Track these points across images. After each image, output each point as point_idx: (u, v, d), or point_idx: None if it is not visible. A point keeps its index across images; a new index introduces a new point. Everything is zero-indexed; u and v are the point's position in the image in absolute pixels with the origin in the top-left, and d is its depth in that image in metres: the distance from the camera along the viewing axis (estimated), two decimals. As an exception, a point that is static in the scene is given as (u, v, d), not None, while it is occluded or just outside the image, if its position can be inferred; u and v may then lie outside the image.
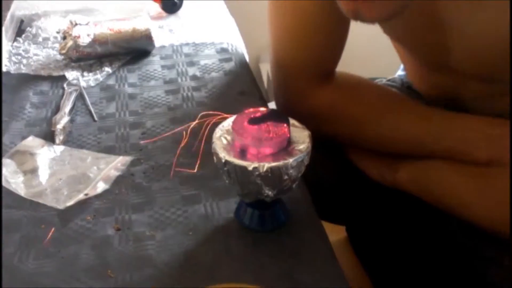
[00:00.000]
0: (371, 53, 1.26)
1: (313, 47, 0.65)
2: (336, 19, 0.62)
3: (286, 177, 0.50)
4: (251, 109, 0.54)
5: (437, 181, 0.62)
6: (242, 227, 0.55)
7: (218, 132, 0.53)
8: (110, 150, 0.67)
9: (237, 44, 0.92)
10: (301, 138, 0.53)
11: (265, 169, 0.49)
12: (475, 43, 0.56)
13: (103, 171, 0.62)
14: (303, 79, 0.67)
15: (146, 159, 0.65)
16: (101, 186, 0.60)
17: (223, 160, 0.50)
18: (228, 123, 0.54)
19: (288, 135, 0.51)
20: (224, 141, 0.52)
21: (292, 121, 0.54)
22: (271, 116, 0.53)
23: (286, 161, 0.49)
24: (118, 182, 0.61)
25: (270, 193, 0.51)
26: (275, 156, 0.50)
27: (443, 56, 0.60)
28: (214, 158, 0.52)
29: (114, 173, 0.62)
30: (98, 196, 0.59)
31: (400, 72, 0.87)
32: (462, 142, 0.60)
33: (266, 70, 1.65)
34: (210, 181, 0.61)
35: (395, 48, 0.78)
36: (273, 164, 0.49)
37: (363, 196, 0.74)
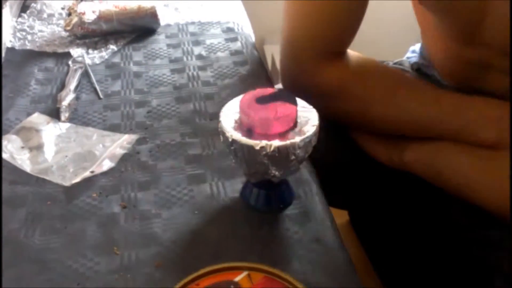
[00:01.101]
0: (380, 37, 1.25)
1: (328, 26, 0.64)
2: (353, 1, 0.61)
3: (293, 157, 0.50)
4: (259, 89, 0.53)
5: (444, 163, 0.62)
6: (248, 207, 0.55)
7: (225, 111, 0.53)
8: (115, 128, 0.66)
9: (243, 24, 0.91)
10: (309, 118, 0.52)
11: (272, 148, 0.49)
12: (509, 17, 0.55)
13: (109, 149, 0.62)
14: (313, 56, 0.66)
15: (152, 138, 0.65)
16: (107, 164, 0.60)
17: (230, 139, 0.50)
18: (235, 102, 0.54)
19: (296, 115, 0.51)
20: (232, 120, 0.52)
21: (300, 101, 0.54)
22: (279, 96, 0.52)
23: (293, 141, 0.49)
24: (123, 160, 0.61)
25: (277, 173, 0.51)
26: (282, 136, 0.50)
27: (478, 25, 0.59)
28: (221, 137, 0.51)
29: (120, 151, 0.62)
30: (104, 174, 0.59)
31: (409, 54, 0.86)
32: (469, 123, 0.60)
33: (270, 52, 1.64)
34: (217, 161, 0.61)
35: (419, 25, 0.76)
36: (280, 143, 0.49)
37: (367, 179, 0.74)
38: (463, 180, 0.60)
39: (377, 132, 0.68)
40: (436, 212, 0.68)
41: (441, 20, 0.67)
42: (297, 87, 0.65)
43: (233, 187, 0.58)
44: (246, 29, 0.90)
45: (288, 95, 0.53)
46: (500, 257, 0.61)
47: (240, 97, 0.53)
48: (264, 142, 0.49)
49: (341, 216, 1.01)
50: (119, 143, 0.63)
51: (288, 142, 0.49)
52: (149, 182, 0.59)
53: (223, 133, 0.51)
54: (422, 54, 0.81)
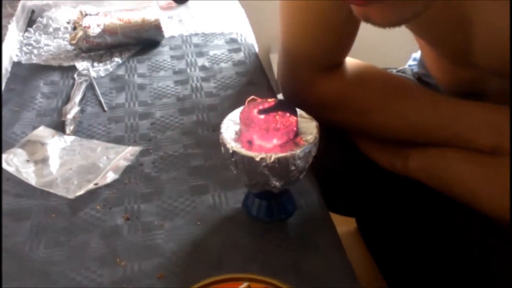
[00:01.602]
0: (381, 43, 1.25)
1: (323, 42, 0.65)
2: (347, 16, 0.60)
3: (293, 167, 0.50)
4: (259, 100, 0.54)
5: (446, 169, 0.62)
6: (249, 218, 0.56)
7: (226, 122, 0.54)
8: (119, 140, 0.67)
9: (247, 35, 0.91)
10: (309, 129, 0.53)
11: (272, 159, 0.49)
12: (498, 39, 0.55)
13: (113, 161, 0.63)
14: (311, 68, 0.67)
15: (155, 149, 0.66)
16: (110, 176, 0.61)
17: (231, 151, 0.50)
18: (236, 114, 0.54)
19: (296, 126, 0.51)
20: (232, 132, 0.52)
21: (299, 112, 0.54)
22: (278, 107, 0.53)
23: (293, 152, 0.49)
24: (127, 172, 0.62)
25: (277, 183, 0.51)
26: (282, 146, 0.50)
27: (466, 52, 0.60)
28: (222, 148, 0.52)
29: (124, 163, 0.63)
30: (107, 186, 0.60)
31: (410, 62, 0.86)
32: (467, 129, 0.59)
33: (276, 61, 1.64)
34: (218, 172, 0.61)
35: (415, 40, 0.77)
36: (280, 155, 0.49)
37: (372, 186, 0.74)
38: (465, 187, 0.60)
39: (378, 138, 0.68)
40: (442, 218, 0.68)
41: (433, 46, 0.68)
42: (295, 99, 0.66)
43: (235, 198, 0.58)
44: (249, 40, 0.90)
45: (288, 105, 0.53)
46: (503, 263, 0.61)
47: (240, 108, 0.54)
48: (264, 154, 0.49)
49: (349, 224, 1.01)
50: (123, 155, 0.64)
51: (288, 153, 0.49)
52: (152, 194, 0.59)
53: (224, 145, 0.51)
54: (421, 63, 0.81)
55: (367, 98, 0.66)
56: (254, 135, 0.51)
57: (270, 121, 0.51)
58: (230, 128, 0.53)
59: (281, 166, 0.49)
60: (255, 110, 0.52)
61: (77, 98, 0.73)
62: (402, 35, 0.76)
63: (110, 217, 0.56)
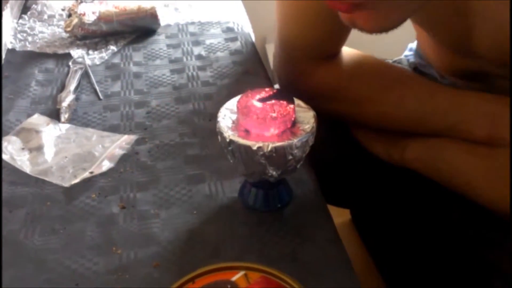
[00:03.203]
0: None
1: (319, 31, 0.65)
2: None
3: (290, 157, 0.50)
4: (257, 89, 0.54)
5: (444, 160, 0.62)
6: (246, 207, 0.55)
7: (223, 111, 0.53)
8: (115, 129, 0.67)
9: (243, 24, 0.91)
10: (306, 118, 0.52)
11: (269, 148, 0.49)
12: (498, 29, 0.55)
13: (108, 149, 0.63)
14: (307, 58, 0.66)
15: (151, 138, 0.65)
16: (106, 165, 0.61)
17: (228, 140, 0.50)
18: (233, 102, 0.54)
19: (293, 115, 0.51)
20: (229, 121, 0.52)
21: (297, 101, 0.54)
22: (276, 96, 0.53)
23: (290, 141, 0.49)
24: (123, 161, 0.62)
25: (274, 173, 0.51)
26: (279, 136, 0.50)
27: (466, 40, 0.59)
28: (219, 137, 0.52)
29: (119, 152, 0.62)
30: (103, 174, 0.60)
31: (406, 52, 0.85)
32: (463, 120, 0.59)
33: (272, 51, 1.64)
34: (215, 161, 0.61)
35: (414, 28, 0.76)
36: (278, 144, 0.49)
37: (368, 177, 0.74)
38: (463, 178, 0.60)
39: (374, 128, 0.68)
40: (438, 210, 0.68)
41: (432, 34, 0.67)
42: (292, 89, 0.66)
43: (231, 187, 0.58)
44: (246, 29, 0.90)
45: (286, 95, 0.53)
46: (500, 256, 0.61)
47: (238, 97, 0.53)
48: (261, 143, 0.49)
49: (343, 215, 1.01)
50: (118, 144, 0.64)
51: (285, 142, 0.49)
52: (148, 183, 0.59)
53: (221, 134, 0.51)
54: (418, 53, 0.80)
55: (364, 88, 0.66)
56: (251, 124, 0.50)
57: (267, 110, 0.51)
58: (227, 117, 0.53)
59: (278, 155, 0.49)
60: (253, 99, 0.52)
61: (72, 86, 0.72)
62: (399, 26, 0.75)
63: (106, 205, 0.56)
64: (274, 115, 0.50)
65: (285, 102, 0.52)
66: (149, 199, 0.57)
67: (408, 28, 0.73)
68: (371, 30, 0.47)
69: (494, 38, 0.56)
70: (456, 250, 0.66)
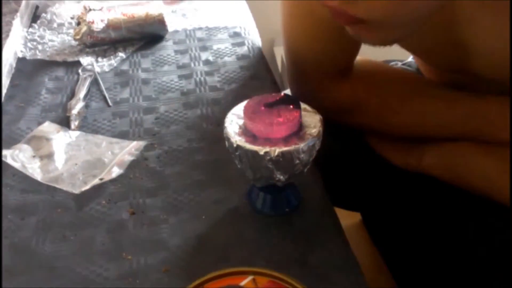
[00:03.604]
0: None
1: (330, 49, 0.64)
2: None
3: (297, 161, 0.50)
4: (263, 94, 0.54)
5: (465, 164, 0.61)
6: (254, 211, 0.56)
7: (230, 117, 0.54)
8: (124, 135, 0.67)
9: (250, 28, 0.91)
10: (313, 122, 0.53)
11: (276, 153, 0.49)
12: (495, 51, 0.55)
13: (118, 156, 0.63)
14: (320, 76, 0.66)
15: (159, 144, 0.66)
16: (115, 171, 0.61)
17: (235, 145, 0.51)
18: (240, 108, 0.54)
19: (300, 120, 0.51)
20: (236, 126, 0.52)
21: (303, 105, 0.54)
22: (282, 100, 0.53)
23: (297, 146, 0.49)
24: (132, 167, 0.62)
25: (281, 177, 0.51)
26: (286, 140, 0.50)
27: (460, 64, 0.60)
28: (226, 143, 0.52)
29: (128, 158, 0.63)
30: (112, 181, 0.60)
31: (409, 59, 0.85)
32: (488, 124, 0.59)
33: (280, 53, 1.64)
34: (223, 166, 0.62)
35: None
36: (284, 148, 0.49)
37: (379, 181, 0.74)
38: (486, 182, 0.60)
39: (394, 137, 0.68)
40: (448, 212, 0.68)
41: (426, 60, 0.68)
42: (309, 104, 0.66)
43: (239, 192, 0.58)
44: (253, 33, 0.90)
45: (292, 99, 0.53)
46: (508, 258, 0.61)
47: (244, 102, 0.54)
48: (268, 148, 0.49)
49: (354, 216, 1.01)
50: (128, 150, 0.64)
51: (292, 147, 0.49)
52: (157, 188, 0.59)
53: (228, 139, 0.52)
54: None
55: (383, 100, 0.65)
56: (258, 129, 0.51)
57: (274, 115, 0.51)
58: (234, 122, 0.53)
59: (285, 160, 0.50)
60: (259, 104, 0.52)
61: (81, 93, 0.73)
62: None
63: (116, 211, 0.57)
64: (280, 120, 0.51)
65: (291, 107, 0.52)
66: (158, 204, 0.57)
67: None
68: (375, 43, 0.48)
69: (491, 59, 0.56)
70: (466, 253, 0.65)
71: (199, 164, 0.63)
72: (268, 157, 0.49)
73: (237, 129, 0.52)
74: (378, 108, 0.66)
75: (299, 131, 0.52)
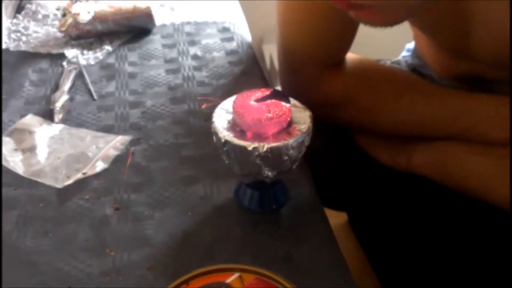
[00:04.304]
0: (374, 34, 1.23)
1: (324, 39, 0.64)
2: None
3: (286, 157, 0.49)
4: (253, 89, 0.53)
5: (455, 163, 0.61)
6: (241, 208, 0.55)
7: (218, 111, 0.53)
8: (109, 129, 0.66)
9: (240, 24, 0.90)
10: (302, 118, 0.52)
11: (265, 149, 0.48)
12: (497, 33, 0.55)
13: (102, 150, 0.62)
14: (311, 67, 0.65)
15: (145, 139, 0.64)
16: (100, 165, 0.60)
17: (223, 140, 0.50)
18: (228, 102, 0.53)
19: (289, 115, 0.51)
20: (224, 121, 0.51)
21: (293, 101, 0.53)
22: (272, 96, 0.52)
23: (286, 142, 0.49)
24: (117, 162, 0.61)
25: (270, 173, 0.50)
26: (275, 136, 0.49)
27: (465, 44, 0.59)
28: (214, 138, 0.51)
29: (113, 152, 0.62)
30: (97, 176, 0.59)
31: (404, 53, 0.84)
32: (478, 122, 0.59)
33: (269, 52, 1.63)
34: (210, 162, 0.61)
35: (411, 30, 0.75)
36: (273, 144, 0.48)
37: (366, 181, 0.74)
38: (477, 180, 0.60)
39: (384, 134, 0.67)
40: (434, 212, 0.68)
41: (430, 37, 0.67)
42: (298, 98, 0.66)
43: (226, 188, 0.57)
44: (242, 29, 0.89)
45: (281, 94, 0.52)
46: (499, 259, 0.61)
47: (233, 97, 0.53)
48: (256, 143, 0.48)
49: (339, 217, 1.01)
50: (113, 145, 0.63)
51: (281, 142, 0.49)
52: (142, 184, 0.58)
53: (216, 134, 0.51)
54: (415, 53, 0.80)
55: (374, 97, 0.65)
56: (247, 124, 0.50)
57: (263, 110, 0.50)
58: (222, 117, 0.52)
59: (273, 156, 0.49)
60: (249, 99, 0.52)
61: (66, 86, 0.72)
62: (396, 26, 0.75)
63: (99, 207, 0.55)
64: (269, 115, 0.50)
65: (281, 102, 0.51)
66: (143, 200, 0.56)
67: (405, 28, 0.73)
68: (375, 24, 0.47)
69: (493, 41, 0.56)
70: (452, 251, 0.65)
71: (185, 159, 0.62)
72: (257, 153, 0.48)
73: (225, 124, 0.51)
74: (368, 104, 0.65)
75: (288, 127, 0.51)
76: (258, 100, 0.51)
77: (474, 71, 0.64)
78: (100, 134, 0.65)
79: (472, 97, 0.61)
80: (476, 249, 0.63)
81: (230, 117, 0.52)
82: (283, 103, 0.51)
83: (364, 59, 0.68)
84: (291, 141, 0.49)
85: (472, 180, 0.60)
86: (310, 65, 0.65)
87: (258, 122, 0.49)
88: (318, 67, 0.65)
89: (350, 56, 0.67)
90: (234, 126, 0.51)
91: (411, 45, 0.83)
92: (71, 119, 0.68)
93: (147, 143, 0.64)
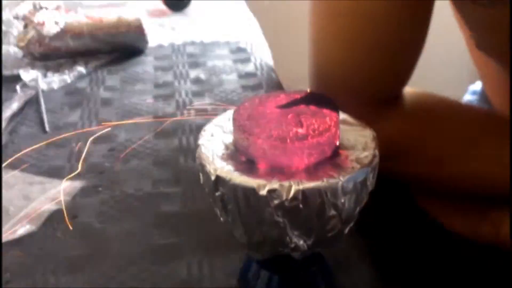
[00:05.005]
0: (432, 71, 1.09)
1: (375, 64, 0.50)
2: (410, 21, 0.48)
3: (332, 211, 0.27)
4: (272, 92, 0.31)
5: None
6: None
7: (209, 129, 0.30)
8: (56, 172, 0.46)
9: (259, 45, 0.71)
10: (360, 141, 0.30)
11: (292, 194, 0.26)
12: None
13: (32, 203, 0.40)
14: (357, 105, 0.50)
15: (106, 187, 0.43)
16: (23, 228, 0.38)
17: (213, 177, 0.27)
18: (226, 116, 0.31)
19: (336, 134, 0.28)
20: (220, 145, 0.29)
21: (343, 115, 0.31)
22: (305, 100, 0.30)
23: (333, 180, 0.26)
24: (52, 221, 0.39)
25: (301, 242, 0.28)
26: (311, 171, 0.27)
27: None
28: (200, 174, 0.29)
29: (49, 208, 0.40)
30: (15, 243, 0.37)
31: (468, 96, 0.76)
32: None
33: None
34: (204, 222, 0.39)
35: (477, 67, 0.67)
36: (308, 185, 0.25)
37: (433, 255, 0.59)
38: None
39: (459, 194, 0.56)
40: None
41: (505, 68, 0.56)
42: None
43: (226, 268, 0.35)
44: (262, 51, 0.70)
45: (322, 99, 0.30)
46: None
47: (234, 108, 0.30)
48: (276, 183, 0.26)
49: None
50: (52, 195, 0.41)
51: (322, 182, 0.26)
52: (88, 259, 0.36)
53: (203, 167, 0.28)
54: (484, 97, 0.70)
55: (446, 141, 0.54)
56: (260, 149, 0.27)
57: (288, 124, 0.28)
58: (216, 138, 0.30)
59: (308, 208, 0.26)
60: (264, 106, 0.29)
61: (6, 114, 0.51)
62: (457, 62, 0.61)
63: (4, 300, 0.32)
64: (301, 131, 0.27)
65: (322, 110, 0.28)
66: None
67: (466, 66, 0.58)
68: None
69: None
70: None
71: (165, 219, 0.40)
72: (277, 201, 0.25)
73: (220, 151, 0.29)
74: (439, 152, 0.54)
75: (335, 156, 0.28)
76: (281, 107, 0.29)
77: None
78: (38, 179, 0.43)
79: None
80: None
81: (229, 138, 0.29)
82: (326, 113, 0.28)
83: (428, 92, 0.57)
84: (342, 179, 0.26)
85: None
86: (354, 99, 0.49)
87: (279, 144, 0.27)
88: (365, 102, 0.51)
89: (408, 91, 0.55)
90: (236, 154, 0.28)
91: (476, 86, 0.75)
92: (5, 158, 0.47)
93: (107, 193, 0.42)
